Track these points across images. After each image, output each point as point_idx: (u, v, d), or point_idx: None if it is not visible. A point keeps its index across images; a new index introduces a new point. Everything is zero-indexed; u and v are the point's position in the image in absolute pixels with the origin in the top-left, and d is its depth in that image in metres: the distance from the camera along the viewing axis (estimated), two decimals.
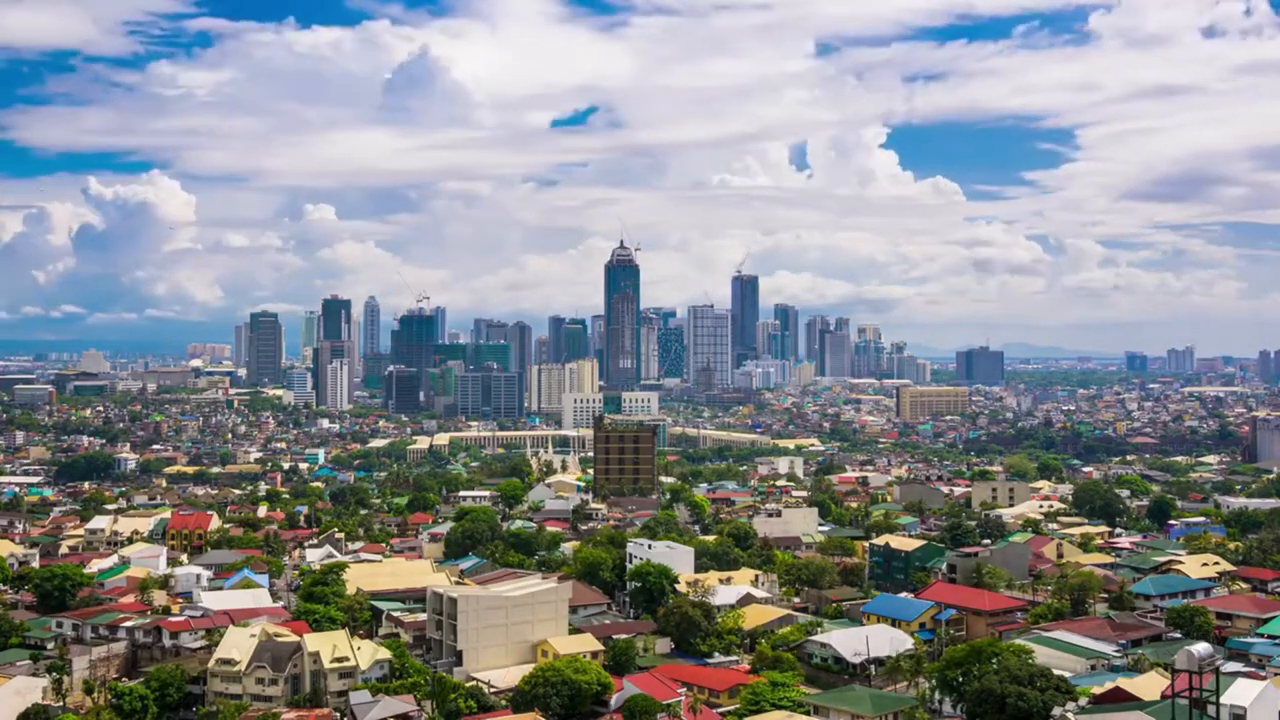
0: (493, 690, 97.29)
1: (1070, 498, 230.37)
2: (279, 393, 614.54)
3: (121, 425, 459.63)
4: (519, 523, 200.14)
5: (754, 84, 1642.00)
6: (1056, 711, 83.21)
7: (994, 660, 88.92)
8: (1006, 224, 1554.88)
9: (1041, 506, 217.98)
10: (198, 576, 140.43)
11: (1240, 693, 77.52)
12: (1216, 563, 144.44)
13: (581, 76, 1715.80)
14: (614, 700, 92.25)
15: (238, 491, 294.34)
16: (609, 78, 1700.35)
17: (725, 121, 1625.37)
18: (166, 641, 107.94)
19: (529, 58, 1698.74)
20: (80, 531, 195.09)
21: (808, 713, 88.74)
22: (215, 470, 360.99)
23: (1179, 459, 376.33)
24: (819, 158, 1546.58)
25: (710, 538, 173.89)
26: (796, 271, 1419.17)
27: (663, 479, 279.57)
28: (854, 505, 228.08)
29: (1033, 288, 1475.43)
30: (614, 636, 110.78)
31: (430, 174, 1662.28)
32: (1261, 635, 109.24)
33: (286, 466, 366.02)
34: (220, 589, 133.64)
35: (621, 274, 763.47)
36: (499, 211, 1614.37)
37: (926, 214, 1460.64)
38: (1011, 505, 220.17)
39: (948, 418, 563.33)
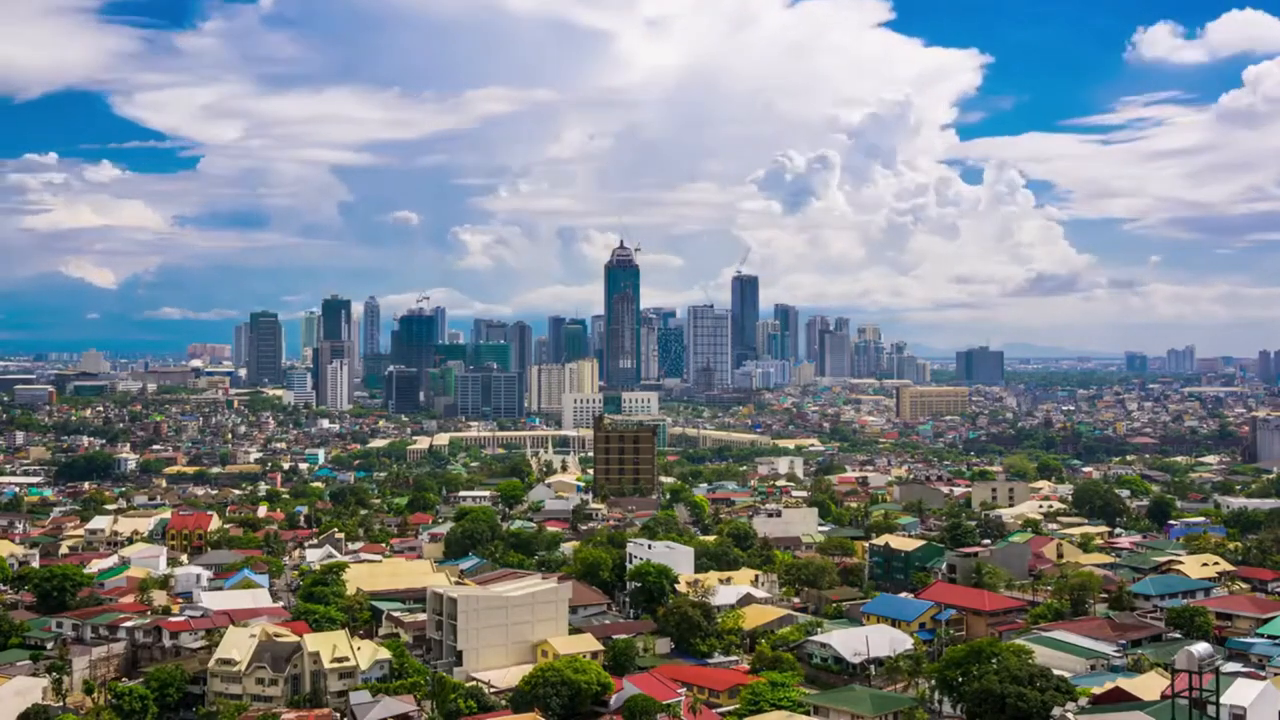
0: (493, 690, 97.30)
1: (1070, 498, 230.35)
2: (279, 393, 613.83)
3: (121, 425, 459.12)
4: (519, 523, 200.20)
5: None
6: (1056, 711, 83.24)
7: (994, 660, 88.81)
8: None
9: (1041, 506, 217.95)
10: (198, 576, 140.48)
11: (1240, 693, 77.46)
12: (1216, 563, 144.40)
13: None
14: (614, 700, 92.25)
15: (238, 491, 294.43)
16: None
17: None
18: (166, 641, 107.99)
19: None
20: (80, 532, 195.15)
21: (808, 713, 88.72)
22: (215, 470, 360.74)
23: (1179, 459, 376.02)
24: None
25: (710, 538, 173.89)
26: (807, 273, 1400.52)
27: (663, 479, 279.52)
28: (854, 505, 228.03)
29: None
30: (614, 636, 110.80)
31: None
32: (1261, 635, 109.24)
33: (286, 466, 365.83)
34: (220, 589, 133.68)
35: (621, 274, 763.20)
36: None
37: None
38: (1011, 505, 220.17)
39: (948, 418, 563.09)
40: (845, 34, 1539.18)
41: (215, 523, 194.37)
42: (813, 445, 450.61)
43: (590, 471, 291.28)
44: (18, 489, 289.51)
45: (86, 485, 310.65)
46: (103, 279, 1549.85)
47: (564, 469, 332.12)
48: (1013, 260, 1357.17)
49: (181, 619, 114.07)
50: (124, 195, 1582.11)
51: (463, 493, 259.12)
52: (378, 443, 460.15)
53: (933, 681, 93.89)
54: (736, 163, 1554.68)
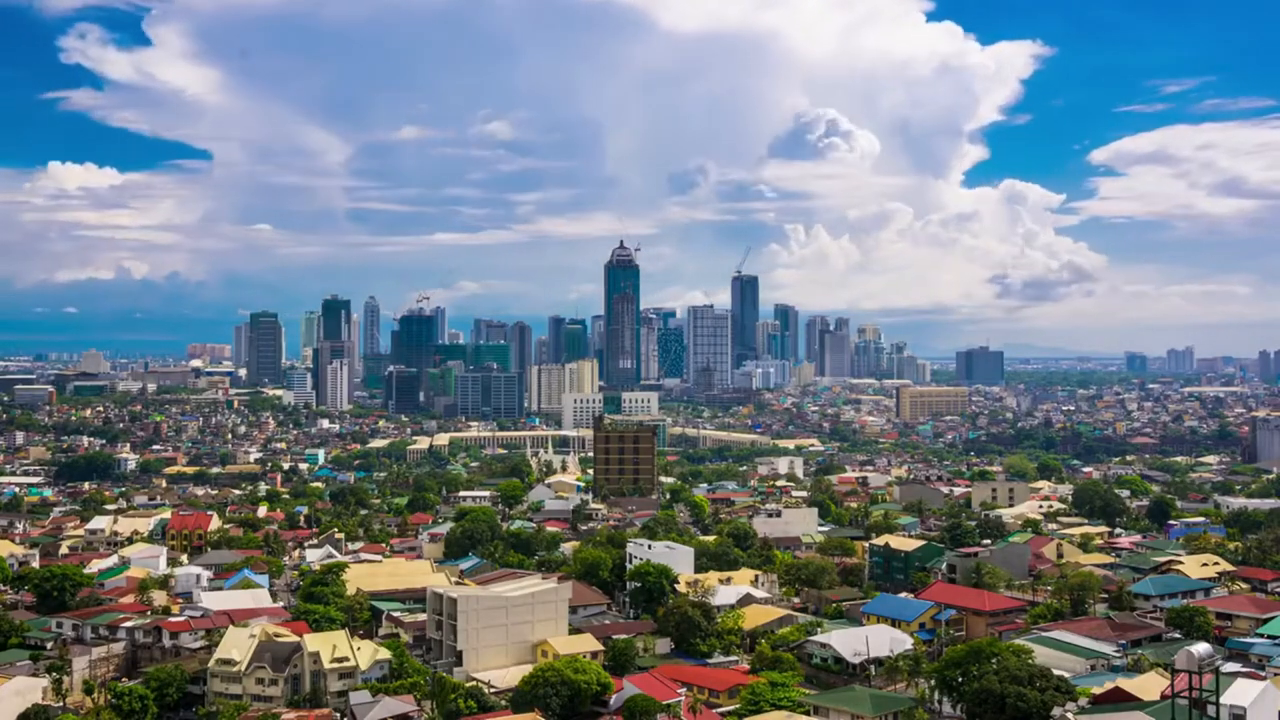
0: (493, 690, 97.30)
1: (1070, 498, 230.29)
2: (279, 393, 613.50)
3: (121, 425, 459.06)
4: (519, 523, 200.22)
5: None
6: (1056, 711, 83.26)
7: (994, 660, 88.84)
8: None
9: (1041, 506, 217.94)
10: (198, 577, 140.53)
11: (1240, 693, 77.43)
12: (1216, 563, 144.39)
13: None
14: (614, 700, 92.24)
15: (238, 492, 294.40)
16: None
17: None
18: (166, 642, 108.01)
19: None
20: (80, 532, 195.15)
21: (807, 713, 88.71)
22: (215, 470, 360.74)
23: (1179, 459, 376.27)
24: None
25: (710, 538, 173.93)
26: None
27: (663, 479, 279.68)
28: (854, 505, 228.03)
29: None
30: (614, 636, 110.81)
31: None
32: (1261, 635, 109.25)
33: (286, 467, 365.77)
34: (220, 589, 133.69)
35: (621, 274, 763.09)
36: None
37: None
38: (1011, 505, 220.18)
39: (947, 418, 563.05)
40: (884, 24, 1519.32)
41: (215, 523, 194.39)
42: (813, 445, 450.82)
43: (590, 471, 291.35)
44: (18, 489, 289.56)
45: (86, 485, 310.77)
46: (137, 275, 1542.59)
47: (564, 469, 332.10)
48: (1022, 260, 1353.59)
49: (181, 619, 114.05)
50: (153, 197, 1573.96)
51: (463, 493, 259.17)
52: (378, 443, 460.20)
53: (933, 681, 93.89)
54: (750, 160, 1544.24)
